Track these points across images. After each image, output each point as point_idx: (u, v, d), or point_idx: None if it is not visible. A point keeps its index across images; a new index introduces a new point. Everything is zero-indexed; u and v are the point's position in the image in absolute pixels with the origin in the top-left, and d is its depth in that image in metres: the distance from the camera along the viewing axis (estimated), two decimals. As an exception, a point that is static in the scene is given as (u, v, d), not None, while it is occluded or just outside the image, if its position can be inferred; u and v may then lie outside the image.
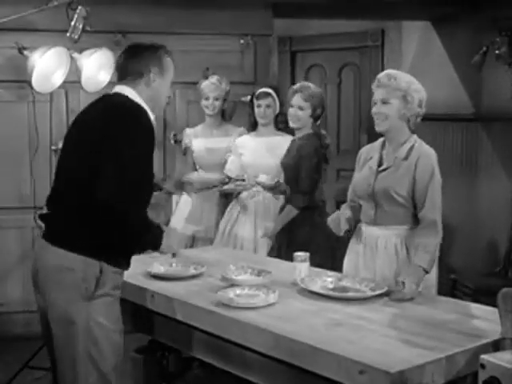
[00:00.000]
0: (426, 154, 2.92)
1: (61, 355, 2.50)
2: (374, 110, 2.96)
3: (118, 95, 2.55)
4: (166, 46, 2.65)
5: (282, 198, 4.05)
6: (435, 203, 2.87)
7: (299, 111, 3.87)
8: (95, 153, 2.37)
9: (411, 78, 2.96)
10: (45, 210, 2.60)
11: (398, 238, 2.94)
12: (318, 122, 3.98)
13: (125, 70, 2.59)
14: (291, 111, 3.89)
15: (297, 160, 3.84)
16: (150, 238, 2.55)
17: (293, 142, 3.98)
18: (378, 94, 2.94)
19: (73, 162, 2.49)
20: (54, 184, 2.59)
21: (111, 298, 2.47)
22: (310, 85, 3.98)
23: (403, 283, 2.68)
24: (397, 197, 2.90)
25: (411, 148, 2.93)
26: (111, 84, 4.18)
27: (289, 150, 3.95)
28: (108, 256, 2.43)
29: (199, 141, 4.40)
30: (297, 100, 3.87)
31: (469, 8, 5.06)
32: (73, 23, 3.97)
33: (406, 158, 2.92)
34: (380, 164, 2.99)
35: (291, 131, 4.08)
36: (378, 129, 2.97)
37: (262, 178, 4.06)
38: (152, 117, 2.54)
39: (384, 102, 2.91)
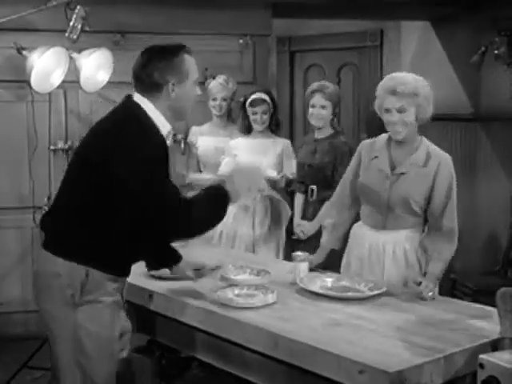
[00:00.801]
0: (445, 161, 2.86)
1: (52, 361, 2.48)
2: (390, 118, 2.83)
3: (134, 107, 2.44)
4: (184, 46, 2.48)
5: (300, 195, 4.05)
6: (454, 211, 2.85)
7: (322, 110, 3.91)
8: (102, 163, 2.33)
9: (420, 79, 2.86)
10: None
11: (407, 241, 2.91)
12: (335, 119, 4.02)
13: (141, 81, 2.44)
14: (314, 111, 3.93)
15: (332, 158, 3.85)
16: (163, 258, 2.67)
17: (316, 141, 3.98)
18: (392, 102, 2.80)
19: (78, 166, 2.46)
20: (59, 187, 2.54)
21: (100, 305, 2.39)
22: (328, 83, 4.02)
23: (420, 283, 2.70)
24: (414, 205, 2.86)
25: (428, 155, 2.86)
26: (110, 84, 4.23)
27: (315, 150, 3.95)
28: (96, 261, 2.36)
29: (205, 139, 4.38)
30: (318, 99, 3.91)
31: (468, 8, 5.06)
32: (71, 23, 3.97)
33: (425, 165, 2.85)
34: (392, 167, 2.91)
35: (284, 133, 4.09)
36: (397, 138, 2.86)
37: (270, 173, 4.06)
38: (168, 128, 2.46)
39: (401, 111, 2.80)
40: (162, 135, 2.41)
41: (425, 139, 2.93)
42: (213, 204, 2.50)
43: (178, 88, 2.44)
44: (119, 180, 2.31)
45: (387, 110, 2.84)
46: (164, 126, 2.45)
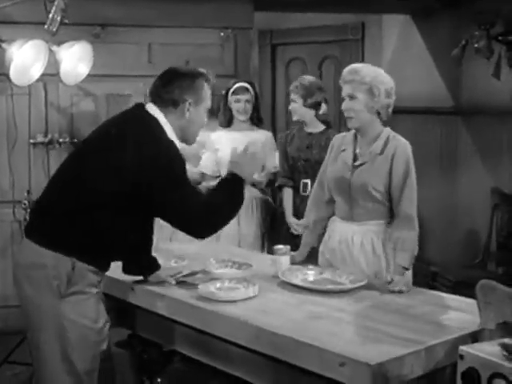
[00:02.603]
0: (401, 146, 2.90)
1: (34, 353, 2.49)
2: (342, 106, 2.94)
3: (145, 114, 2.54)
4: (205, 73, 2.63)
5: (289, 190, 4.02)
6: (412, 197, 2.87)
7: (293, 104, 3.99)
8: (115, 164, 2.41)
9: (377, 69, 2.93)
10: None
11: (374, 233, 2.92)
12: (321, 111, 4.01)
13: (159, 96, 2.55)
14: (290, 107, 4.03)
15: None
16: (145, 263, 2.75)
17: (310, 135, 3.99)
18: (344, 89, 2.91)
19: (82, 164, 2.50)
20: (51, 180, 2.59)
21: (85, 296, 2.44)
22: (304, 77, 4.08)
23: (392, 280, 2.70)
24: (374, 192, 2.88)
25: (386, 142, 2.91)
26: (90, 77, 4.19)
27: (311, 145, 3.96)
28: (82, 254, 2.41)
29: None
30: (291, 95, 4.01)
31: (448, 2, 5.09)
32: (51, 15, 3.93)
33: (381, 153, 2.90)
34: (355, 159, 2.96)
35: (266, 127, 4.09)
36: (349, 126, 2.95)
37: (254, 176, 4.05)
38: (176, 140, 2.56)
39: (351, 98, 2.88)
40: (172, 140, 2.52)
41: (388, 129, 2.97)
42: (230, 192, 2.59)
43: (193, 108, 2.57)
44: (136, 183, 2.39)
45: (343, 99, 2.93)
46: (172, 137, 2.54)
